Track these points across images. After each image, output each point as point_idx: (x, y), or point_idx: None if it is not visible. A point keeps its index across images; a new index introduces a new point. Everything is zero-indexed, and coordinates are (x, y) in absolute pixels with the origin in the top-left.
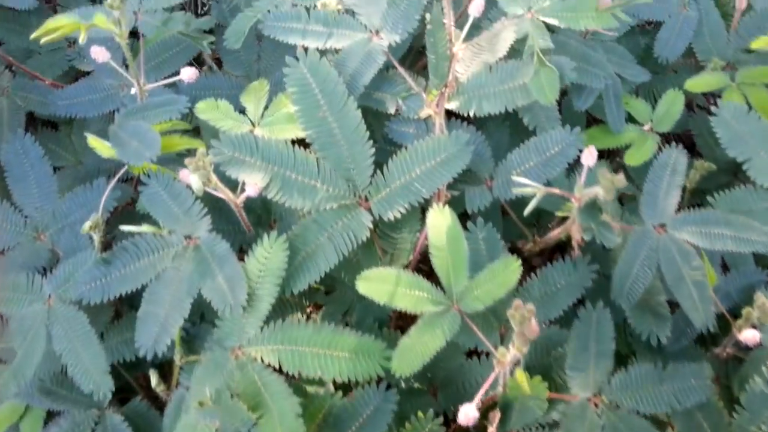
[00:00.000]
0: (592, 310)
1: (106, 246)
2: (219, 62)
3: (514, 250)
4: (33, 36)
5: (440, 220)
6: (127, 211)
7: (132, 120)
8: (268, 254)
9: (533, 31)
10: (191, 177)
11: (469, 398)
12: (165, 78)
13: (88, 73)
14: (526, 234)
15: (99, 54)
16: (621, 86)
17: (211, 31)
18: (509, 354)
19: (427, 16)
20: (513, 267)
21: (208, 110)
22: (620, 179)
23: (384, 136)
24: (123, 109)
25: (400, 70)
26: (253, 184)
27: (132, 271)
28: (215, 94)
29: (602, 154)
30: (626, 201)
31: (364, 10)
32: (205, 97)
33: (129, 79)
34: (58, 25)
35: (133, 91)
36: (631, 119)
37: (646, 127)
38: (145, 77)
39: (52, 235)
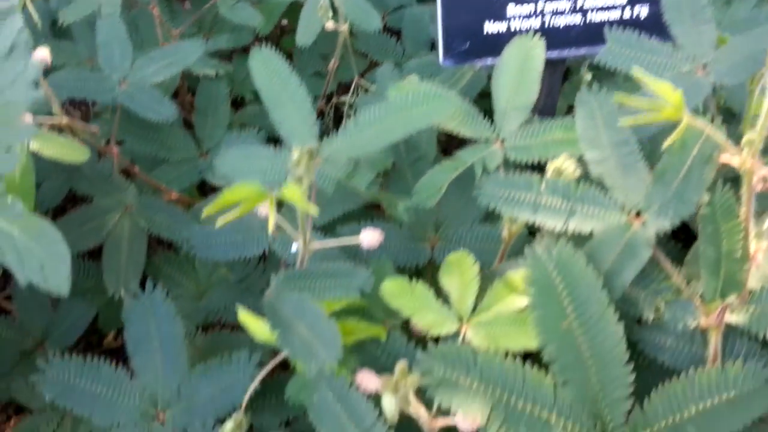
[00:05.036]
0: None
1: None
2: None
3: None
4: (204, 214)
5: None
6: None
7: (293, 290)
8: None
9: None
10: (385, 400)
11: None
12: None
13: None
14: None
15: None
16: None
17: None
18: None
19: (705, 196)
20: None
21: (400, 294)
22: None
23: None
24: (280, 273)
25: (666, 265)
26: (469, 415)
27: None
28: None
29: None
30: None
31: (619, 182)
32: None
33: (293, 233)
34: (238, 196)
35: (294, 247)
36: None
37: None
38: (311, 234)
39: (175, 416)
